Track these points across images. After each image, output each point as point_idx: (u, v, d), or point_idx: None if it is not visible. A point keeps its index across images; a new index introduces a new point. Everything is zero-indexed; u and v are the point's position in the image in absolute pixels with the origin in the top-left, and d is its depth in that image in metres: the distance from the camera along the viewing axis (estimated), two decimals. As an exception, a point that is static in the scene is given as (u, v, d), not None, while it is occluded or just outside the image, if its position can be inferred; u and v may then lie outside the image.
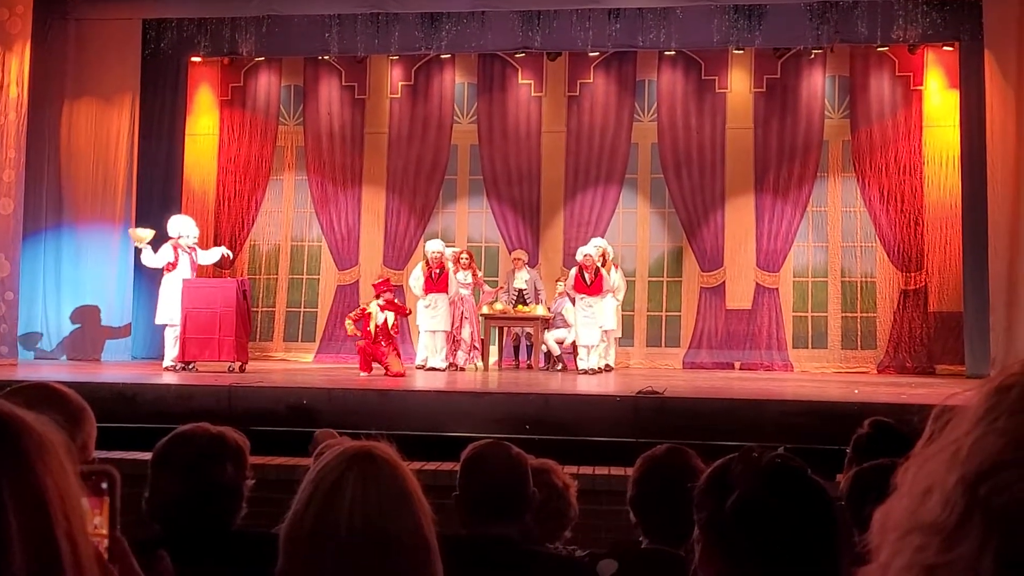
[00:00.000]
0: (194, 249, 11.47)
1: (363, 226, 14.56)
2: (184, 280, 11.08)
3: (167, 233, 11.37)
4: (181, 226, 11.42)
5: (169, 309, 11.10)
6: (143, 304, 13.10)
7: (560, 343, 12.62)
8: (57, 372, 10.65)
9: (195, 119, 14.40)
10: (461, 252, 12.54)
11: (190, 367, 10.81)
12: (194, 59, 13.82)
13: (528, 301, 12.58)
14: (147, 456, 2.64)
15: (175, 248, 11.29)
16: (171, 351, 11.16)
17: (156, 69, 13.38)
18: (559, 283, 12.83)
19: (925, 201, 13.49)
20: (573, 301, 12.06)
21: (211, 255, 11.84)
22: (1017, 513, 0.57)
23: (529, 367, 12.64)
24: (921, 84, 13.63)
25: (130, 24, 13.05)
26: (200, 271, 11.97)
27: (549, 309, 12.60)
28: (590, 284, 11.80)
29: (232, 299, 10.88)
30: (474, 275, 12.40)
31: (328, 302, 14.43)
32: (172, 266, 11.22)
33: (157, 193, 13.36)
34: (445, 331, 12.03)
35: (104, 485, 1.29)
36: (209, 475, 2.51)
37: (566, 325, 12.48)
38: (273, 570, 1.55)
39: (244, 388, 8.67)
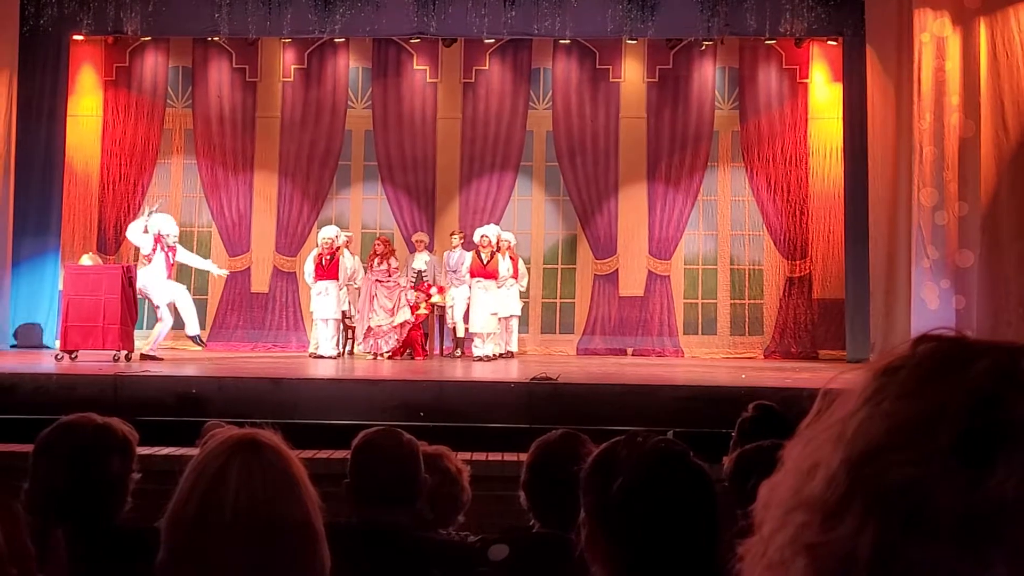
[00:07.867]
0: (174, 249, 11.28)
1: (255, 212, 14.27)
2: (66, 266, 10.75)
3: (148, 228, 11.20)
4: (165, 224, 11.24)
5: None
6: (21, 290, 12.61)
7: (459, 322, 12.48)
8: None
9: (77, 99, 13.85)
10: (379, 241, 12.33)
11: (73, 356, 10.45)
12: (76, 37, 13.27)
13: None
14: (27, 448, 2.54)
15: (156, 241, 11.12)
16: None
17: (36, 46, 12.81)
18: (453, 236, 12.81)
19: (810, 191, 13.90)
20: (470, 286, 12.04)
21: (194, 260, 11.71)
22: (895, 498, 0.58)
23: (425, 355, 12.51)
24: (807, 77, 14.03)
25: (6, -1, 12.50)
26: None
27: (446, 279, 12.58)
28: (486, 263, 11.79)
29: (117, 286, 10.53)
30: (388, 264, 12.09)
31: (219, 289, 14.08)
32: (148, 260, 11.11)
33: (37, 175, 12.83)
34: (336, 319, 11.98)
35: None
36: (94, 467, 2.43)
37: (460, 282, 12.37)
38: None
39: (130, 377, 8.43)
